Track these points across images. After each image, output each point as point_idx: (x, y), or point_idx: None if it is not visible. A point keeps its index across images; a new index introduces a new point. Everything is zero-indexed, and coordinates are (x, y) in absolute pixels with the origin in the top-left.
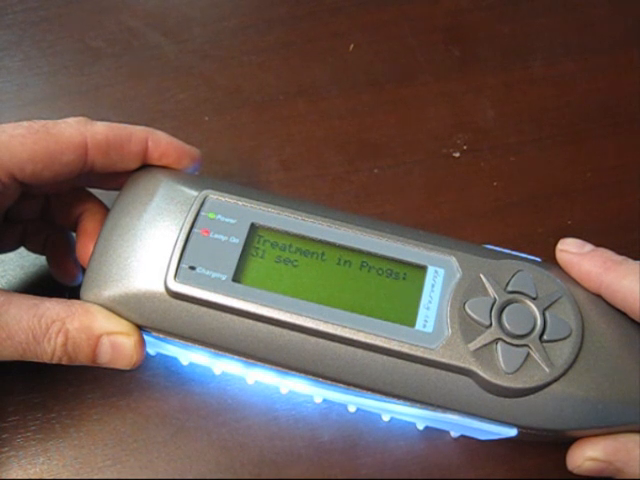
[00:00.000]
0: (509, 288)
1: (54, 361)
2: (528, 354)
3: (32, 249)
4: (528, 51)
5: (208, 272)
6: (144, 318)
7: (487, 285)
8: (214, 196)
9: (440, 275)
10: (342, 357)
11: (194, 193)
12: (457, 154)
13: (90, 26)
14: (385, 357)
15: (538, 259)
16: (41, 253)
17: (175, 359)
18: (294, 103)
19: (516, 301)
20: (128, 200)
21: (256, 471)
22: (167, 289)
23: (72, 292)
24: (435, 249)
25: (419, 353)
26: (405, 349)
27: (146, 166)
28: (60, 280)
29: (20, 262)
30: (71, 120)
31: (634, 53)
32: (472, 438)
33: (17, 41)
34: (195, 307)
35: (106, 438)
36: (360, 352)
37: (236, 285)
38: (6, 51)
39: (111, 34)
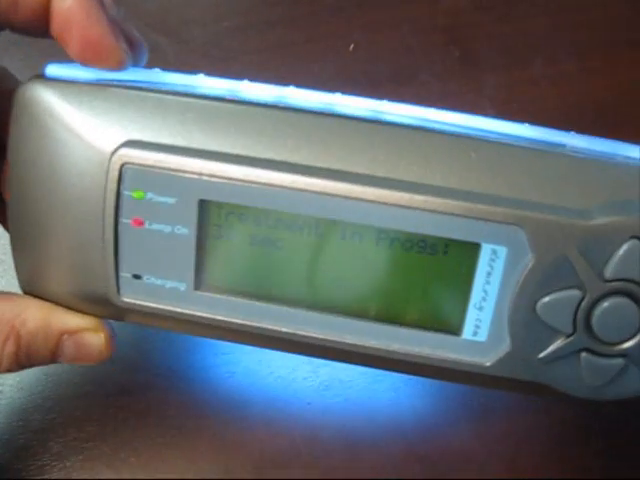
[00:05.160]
0: (608, 274)
1: (1, 372)
2: (624, 366)
3: None
4: (528, 51)
5: (160, 281)
6: (102, 315)
7: (576, 271)
8: (135, 160)
9: (500, 257)
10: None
11: (104, 150)
12: None
13: None
14: (419, 369)
15: None
16: None
17: (175, 359)
18: None
19: (614, 293)
20: (21, 158)
21: (256, 471)
22: (114, 304)
23: None
24: (493, 214)
25: (467, 369)
26: (448, 365)
27: (38, 79)
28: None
29: None
30: None
31: (634, 53)
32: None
33: (17, 41)
34: (157, 322)
35: (106, 438)
36: (383, 363)
37: (201, 295)
38: (6, 51)
39: None
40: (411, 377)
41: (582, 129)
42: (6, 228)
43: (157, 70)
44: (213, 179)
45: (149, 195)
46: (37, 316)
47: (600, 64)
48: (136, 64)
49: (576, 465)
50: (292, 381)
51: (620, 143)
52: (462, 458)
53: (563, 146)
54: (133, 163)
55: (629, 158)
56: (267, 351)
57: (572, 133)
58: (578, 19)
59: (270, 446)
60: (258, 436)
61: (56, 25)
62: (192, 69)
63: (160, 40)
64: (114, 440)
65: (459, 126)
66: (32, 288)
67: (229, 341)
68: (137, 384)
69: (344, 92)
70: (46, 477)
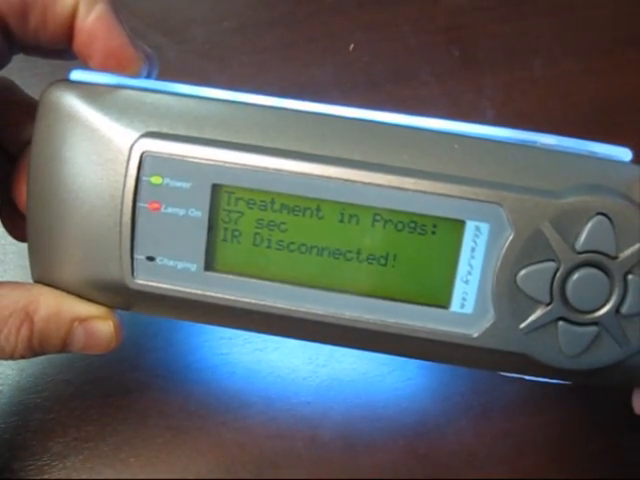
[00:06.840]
0: (579, 246)
1: (14, 359)
2: (598, 334)
3: None
4: (528, 51)
5: (172, 262)
6: (112, 304)
7: (550, 243)
8: (154, 149)
9: (483, 233)
10: (353, 340)
11: (125, 142)
12: None
13: None
14: (412, 343)
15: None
16: None
17: (174, 359)
18: None
19: (587, 264)
20: (44, 152)
21: (256, 471)
22: (127, 287)
23: None
24: (476, 194)
25: (456, 340)
26: (438, 337)
27: (62, 82)
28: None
29: (20, 262)
30: None
31: (634, 53)
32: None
33: None
34: (166, 307)
35: (106, 438)
36: (379, 339)
37: (210, 275)
38: None
39: None
40: (410, 377)
41: (582, 129)
42: (10, 233)
43: (167, 82)
44: (225, 165)
45: (166, 180)
46: (49, 303)
47: (600, 64)
48: (149, 75)
49: (576, 465)
50: (292, 381)
51: (584, 141)
52: (462, 458)
53: (535, 142)
54: (152, 151)
55: (592, 152)
56: (267, 351)
57: (542, 133)
58: (578, 19)
59: (270, 446)
60: (258, 436)
61: (80, 39)
62: (192, 69)
63: (160, 40)
64: (114, 440)
65: (443, 129)
66: (45, 278)
67: (234, 326)
68: (137, 384)
69: (344, 92)
70: (46, 477)
